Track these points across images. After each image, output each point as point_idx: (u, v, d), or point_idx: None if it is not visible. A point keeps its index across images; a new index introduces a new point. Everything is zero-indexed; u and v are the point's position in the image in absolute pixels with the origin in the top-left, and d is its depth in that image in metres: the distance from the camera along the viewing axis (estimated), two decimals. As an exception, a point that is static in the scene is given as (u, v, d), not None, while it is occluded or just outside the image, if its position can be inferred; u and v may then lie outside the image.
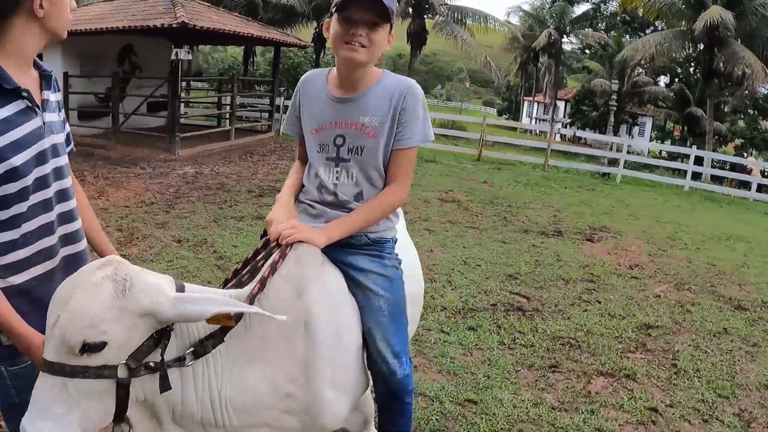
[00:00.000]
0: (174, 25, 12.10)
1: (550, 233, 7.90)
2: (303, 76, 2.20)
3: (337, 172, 2.10)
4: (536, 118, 46.67)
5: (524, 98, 48.26)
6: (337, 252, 2.05)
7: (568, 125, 35.05)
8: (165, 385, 1.55)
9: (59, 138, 1.86)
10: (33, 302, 1.73)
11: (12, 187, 1.68)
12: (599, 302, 5.43)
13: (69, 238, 1.91)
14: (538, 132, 37.04)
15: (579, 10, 43.85)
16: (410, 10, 23.91)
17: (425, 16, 24.87)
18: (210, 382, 1.73)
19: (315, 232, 1.94)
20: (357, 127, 2.04)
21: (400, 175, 2.07)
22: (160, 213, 8.11)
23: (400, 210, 2.39)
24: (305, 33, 26.06)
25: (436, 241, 7.08)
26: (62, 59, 14.97)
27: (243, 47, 22.71)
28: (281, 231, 1.90)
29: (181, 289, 1.63)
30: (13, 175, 1.67)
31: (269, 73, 23.12)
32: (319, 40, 24.67)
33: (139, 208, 8.61)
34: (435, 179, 11.89)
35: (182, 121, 16.88)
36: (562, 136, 28.93)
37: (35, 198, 1.75)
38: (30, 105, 1.73)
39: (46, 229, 1.80)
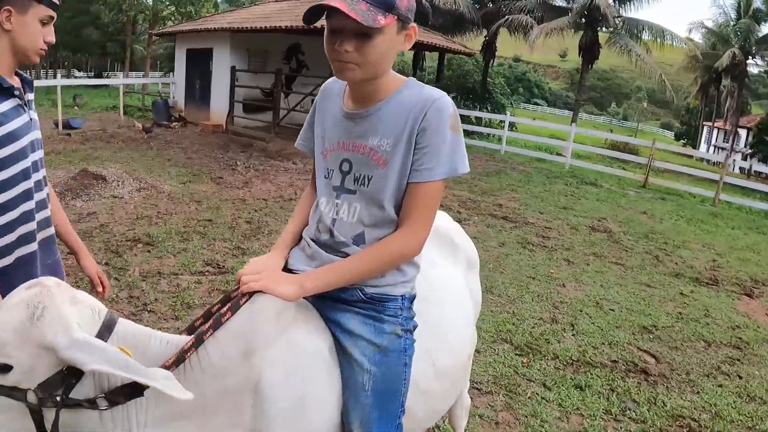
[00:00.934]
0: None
1: (703, 281, 6.87)
2: (324, 83, 1.77)
3: (337, 204, 1.68)
4: (714, 146, 43.18)
5: (704, 123, 44.88)
6: (325, 306, 1.68)
7: (748, 156, 31.69)
8: (53, 427, 1.38)
9: (38, 134, 2.09)
10: (12, 285, 1.63)
11: (4, 174, 1.91)
12: (740, 377, 4.45)
13: (43, 223, 2.12)
14: (714, 162, 34.16)
15: (766, 28, 39.84)
16: (582, 20, 22.74)
17: (598, 29, 23.52)
18: (129, 427, 1.48)
19: (283, 282, 1.55)
20: (365, 151, 1.62)
21: (413, 217, 1.59)
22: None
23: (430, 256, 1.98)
24: (476, 41, 25.56)
25: (572, 274, 6.40)
26: (230, 54, 15.76)
27: (413, 52, 22.71)
28: (240, 276, 1.56)
29: (108, 328, 1.45)
30: (6, 162, 1.91)
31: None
32: (488, 48, 24.05)
33: (276, 203, 8.71)
34: (591, 204, 10.95)
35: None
36: (741, 169, 26.39)
37: (20, 188, 1.97)
38: (20, 103, 1.98)
39: (28, 216, 2.02)
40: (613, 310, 5.49)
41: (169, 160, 11.65)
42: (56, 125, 14.85)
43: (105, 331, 1.45)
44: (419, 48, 18.89)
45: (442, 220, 2.33)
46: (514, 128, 21.43)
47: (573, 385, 4.00)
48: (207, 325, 1.52)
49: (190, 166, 11.07)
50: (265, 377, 1.54)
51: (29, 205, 2.01)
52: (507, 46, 34.42)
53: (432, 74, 29.23)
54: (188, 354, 1.48)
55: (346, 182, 1.67)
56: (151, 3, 25.25)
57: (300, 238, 1.81)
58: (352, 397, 1.64)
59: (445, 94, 1.59)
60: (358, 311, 1.67)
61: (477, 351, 4.36)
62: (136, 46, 34.65)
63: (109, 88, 19.46)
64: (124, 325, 1.51)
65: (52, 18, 2.00)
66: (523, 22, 21.74)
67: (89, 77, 23.82)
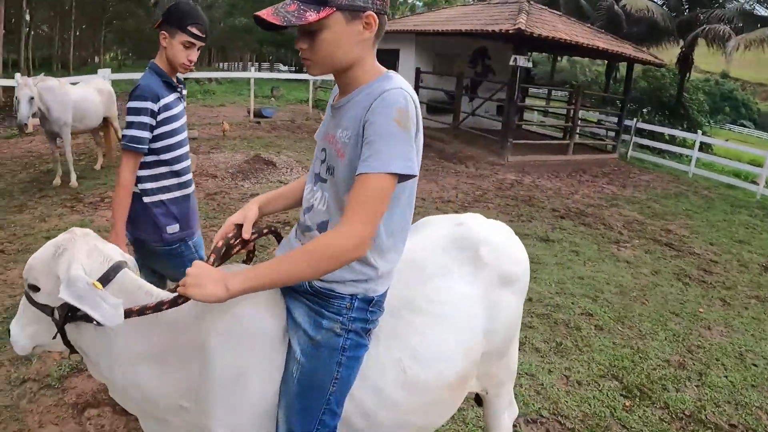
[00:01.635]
0: (510, 31, 11.97)
1: None
2: None
3: (313, 191, 1.78)
4: None
5: None
6: (287, 292, 1.80)
7: None
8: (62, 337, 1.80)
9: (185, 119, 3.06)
10: (173, 213, 2.96)
11: (170, 140, 2.89)
12: None
13: (189, 183, 3.07)
14: None
15: None
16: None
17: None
18: (108, 352, 1.81)
19: (211, 285, 1.54)
20: (333, 141, 1.69)
21: (349, 213, 1.53)
22: (449, 212, 8.01)
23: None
24: (673, 52, 23.43)
25: (724, 317, 5.67)
26: (416, 55, 16.01)
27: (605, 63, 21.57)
28: (188, 272, 1.60)
29: (108, 275, 1.74)
30: (172, 133, 2.89)
31: (633, 91, 21.64)
32: (684, 60, 21.95)
33: (433, 203, 8.76)
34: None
35: (524, 127, 16.83)
36: None
37: (183, 149, 2.99)
38: (179, 96, 2.97)
39: (186, 170, 3.02)
40: (756, 365, 4.77)
41: (277, 144, 12.05)
42: (249, 113, 16.13)
43: (106, 276, 1.73)
44: (602, 56, 17.93)
45: (478, 231, 2.22)
46: (710, 150, 19.59)
47: (673, 444, 3.54)
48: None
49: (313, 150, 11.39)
50: (210, 342, 1.72)
51: (187, 162, 3.02)
52: (711, 59, 31.24)
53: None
54: (148, 310, 1.68)
55: (321, 171, 1.74)
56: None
57: (279, 202, 2.02)
58: (283, 382, 1.74)
59: (402, 87, 1.56)
60: (305, 302, 1.74)
61: (578, 382, 4.07)
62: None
63: (308, 82, 20.51)
64: (126, 275, 1.79)
65: (192, 44, 2.83)
66: (721, 33, 19.25)
67: (291, 71, 25.34)
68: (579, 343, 4.68)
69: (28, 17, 30.98)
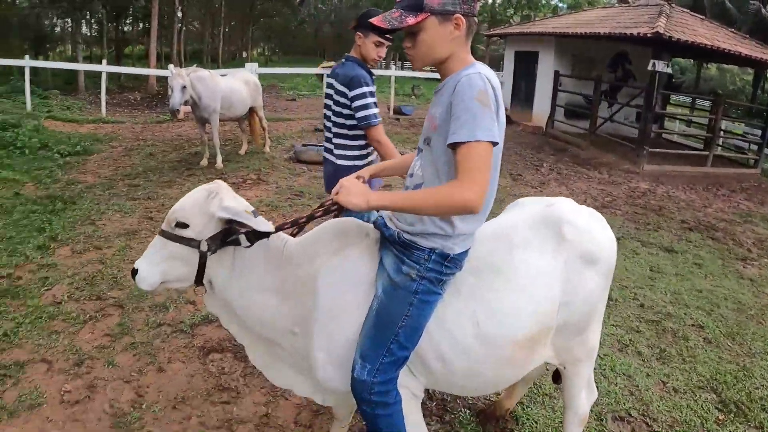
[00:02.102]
0: (648, 35, 11.61)
1: None
2: None
3: (415, 161, 2.19)
4: None
5: None
6: (383, 244, 2.22)
7: None
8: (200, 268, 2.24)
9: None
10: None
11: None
12: None
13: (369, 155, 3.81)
14: None
15: None
16: None
17: None
18: (240, 281, 2.28)
19: (356, 196, 1.96)
20: (430, 118, 2.08)
21: (464, 172, 1.84)
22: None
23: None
24: None
25: None
26: (555, 58, 15.85)
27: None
28: (340, 182, 2.05)
29: (255, 213, 2.20)
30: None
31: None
32: None
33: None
34: None
35: (664, 136, 16.23)
36: None
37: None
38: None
39: (367, 145, 3.75)
40: None
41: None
42: (388, 110, 16.66)
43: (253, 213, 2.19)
44: (749, 64, 16.77)
45: (564, 212, 2.46)
46: None
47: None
48: (302, 218, 2.33)
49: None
50: (320, 279, 2.19)
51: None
52: None
53: None
54: (302, 220, 2.31)
55: (421, 143, 2.14)
56: (490, 4, 26.48)
57: (387, 171, 2.51)
58: (366, 315, 2.15)
59: (482, 72, 1.89)
60: (393, 251, 2.13)
61: (674, 389, 4.08)
62: (478, 45, 36.36)
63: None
64: (261, 219, 2.20)
65: (382, 43, 3.57)
66: None
67: (431, 71, 25.71)
68: (683, 352, 4.64)
69: (180, 14, 33.25)
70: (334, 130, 3.70)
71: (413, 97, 22.68)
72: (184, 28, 37.43)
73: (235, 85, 9.39)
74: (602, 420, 3.63)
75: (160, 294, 4.76)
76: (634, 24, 13.09)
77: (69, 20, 33.50)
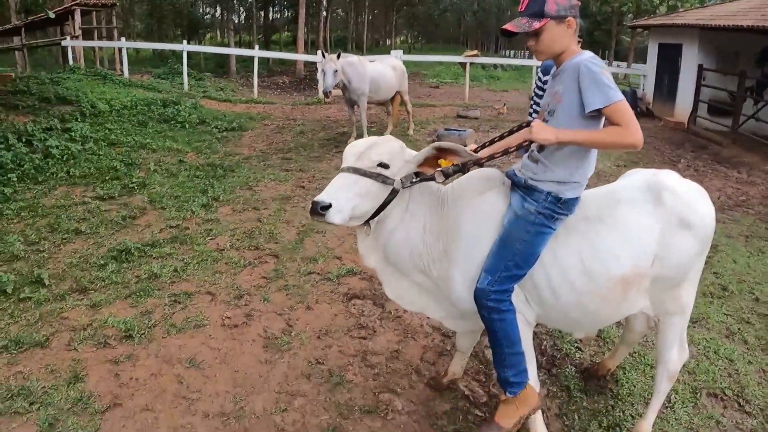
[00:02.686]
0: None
1: None
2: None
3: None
4: None
5: None
6: (513, 187, 2.79)
7: None
8: (423, 179, 2.78)
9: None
10: None
11: None
12: None
13: None
14: None
15: None
16: None
17: None
18: (409, 215, 2.85)
19: (548, 132, 2.51)
20: (553, 95, 2.67)
21: (624, 124, 2.41)
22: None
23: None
24: None
25: None
26: (698, 51, 15.33)
27: None
28: (532, 124, 2.56)
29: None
30: None
31: None
32: None
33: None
34: None
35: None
36: None
37: None
38: None
39: None
40: None
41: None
42: (530, 99, 16.81)
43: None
44: None
45: (665, 180, 2.92)
46: None
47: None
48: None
49: (630, 154, 11.56)
50: (465, 214, 2.79)
51: None
52: None
53: None
54: (497, 154, 2.85)
55: (546, 115, 2.70)
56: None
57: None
58: (494, 243, 2.72)
59: (592, 55, 2.52)
60: (519, 192, 2.73)
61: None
62: (623, 36, 35.26)
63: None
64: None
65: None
66: None
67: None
68: (793, 346, 4.74)
69: (325, 1, 34.55)
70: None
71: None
72: (329, 16, 38.95)
73: (383, 71, 10.09)
74: (697, 394, 3.88)
75: (311, 248, 5.49)
76: (783, 16, 12.48)
77: (219, 8, 35.62)
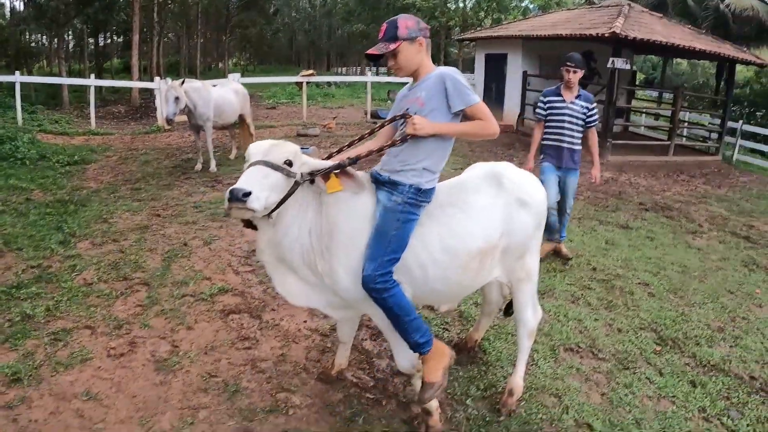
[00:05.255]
0: (606, 35, 12.52)
1: None
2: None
3: (400, 129, 3.21)
4: None
5: None
6: (378, 187, 3.17)
7: None
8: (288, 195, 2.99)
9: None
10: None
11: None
12: None
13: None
14: None
15: None
16: None
17: None
18: (297, 212, 3.11)
19: (428, 127, 3.02)
20: (414, 100, 3.12)
21: (482, 119, 3.03)
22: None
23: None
24: None
25: None
26: (522, 59, 16.71)
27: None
28: (413, 119, 3.03)
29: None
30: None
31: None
32: None
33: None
34: None
35: (631, 129, 17.10)
36: None
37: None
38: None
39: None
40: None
41: (454, 149, 12.97)
42: (365, 114, 17.52)
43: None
44: (701, 57, 17.63)
45: (503, 169, 3.50)
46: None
47: (688, 380, 4.28)
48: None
49: (468, 156, 12.40)
50: (340, 215, 3.09)
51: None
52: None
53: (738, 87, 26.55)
54: (386, 146, 3.17)
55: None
56: (461, 8, 27.45)
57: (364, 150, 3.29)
58: (370, 235, 3.07)
59: (455, 69, 3.09)
60: (385, 189, 3.13)
61: (618, 329, 4.93)
62: (451, 49, 37.29)
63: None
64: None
65: (573, 71, 6.44)
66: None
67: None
68: (629, 303, 5.48)
69: (158, 26, 33.81)
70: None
71: (389, 101, 23.46)
72: (162, 41, 37.98)
73: (226, 95, 10.13)
74: (555, 350, 4.51)
75: (179, 272, 5.51)
76: (594, 25, 14.00)
77: (48, 36, 33.71)
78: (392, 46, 3.01)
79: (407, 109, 3.13)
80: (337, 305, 3.34)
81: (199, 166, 9.96)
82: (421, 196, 3.11)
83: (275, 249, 3.15)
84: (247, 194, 2.72)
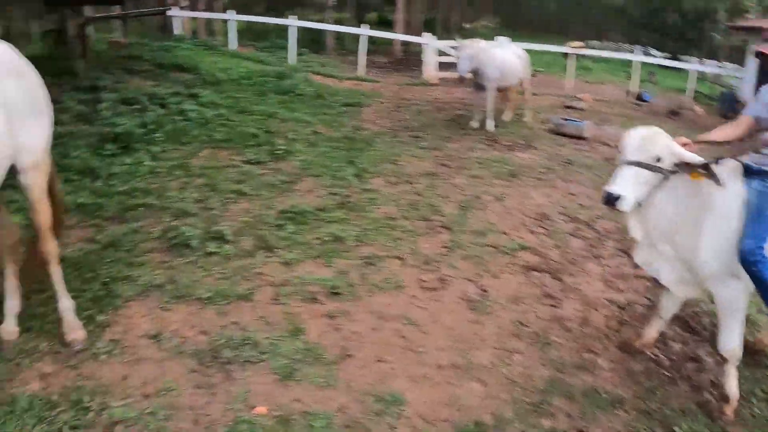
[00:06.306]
0: None
1: None
2: None
3: None
4: None
5: None
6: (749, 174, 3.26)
7: None
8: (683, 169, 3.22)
9: None
10: None
11: None
12: None
13: None
14: None
15: None
16: None
17: None
18: (666, 198, 3.29)
19: None
20: None
21: None
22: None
23: None
24: None
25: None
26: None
27: None
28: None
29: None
30: None
31: None
32: None
33: None
34: None
35: None
36: None
37: None
38: None
39: None
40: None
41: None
42: (628, 94, 16.65)
43: None
44: None
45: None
46: None
47: None
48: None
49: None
50: (716, 201, 3.19)
51: None
52: None
53: None
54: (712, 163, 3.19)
55: None
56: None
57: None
58: (747, 215, 3.18)
59: None
60: (759, 178, 3.25)
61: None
62: (715, 35, 34.09)
63: (681, 71, 20.04)
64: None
65: None
66: None
67: (665, 58, 24.68)
68: None
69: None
70: None
71: (650, 83, 22.08)
72: (422, -1, 38.89)
73: (510, 58, 10.26)
74: None
75: (476, 223, 5.78)
76: None
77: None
78: None
79: None
80: (687, 281, 3.43)
81: (476, 124, 10.17)
82: None
83: (642, 226, 3.38)
84: (617, 198, 3.08)
